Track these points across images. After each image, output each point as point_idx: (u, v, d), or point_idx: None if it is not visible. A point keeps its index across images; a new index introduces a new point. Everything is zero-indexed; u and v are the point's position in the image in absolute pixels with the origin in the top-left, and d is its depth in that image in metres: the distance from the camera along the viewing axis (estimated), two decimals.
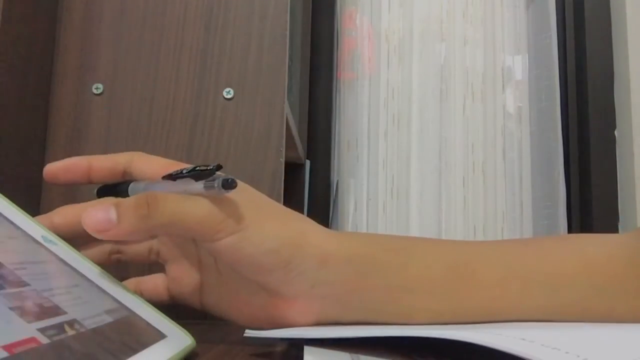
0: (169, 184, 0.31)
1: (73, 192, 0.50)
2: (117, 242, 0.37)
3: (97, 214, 0.29)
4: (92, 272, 0.31)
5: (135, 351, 0.25)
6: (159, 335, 0.29)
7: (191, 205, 0.30)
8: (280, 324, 0.33)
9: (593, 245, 0.38)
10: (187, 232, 0.31)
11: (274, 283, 0.33)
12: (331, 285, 0.33)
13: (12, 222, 0.29)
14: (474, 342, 0.24)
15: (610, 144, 1.28)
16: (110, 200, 0.32)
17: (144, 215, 0.29)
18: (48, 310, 0.23)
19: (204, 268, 0.37)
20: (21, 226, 0.30)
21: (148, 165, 0.36)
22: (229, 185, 0.29)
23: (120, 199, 0.31)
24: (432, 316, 0.34)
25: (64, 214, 0.35)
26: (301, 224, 0.34)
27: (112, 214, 0.29)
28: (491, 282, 0.35)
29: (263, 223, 0.32)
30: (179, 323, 0.32)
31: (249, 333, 0.32)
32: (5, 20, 0.45)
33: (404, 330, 0.28)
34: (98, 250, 0.37)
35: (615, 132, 1.28)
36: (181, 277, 0.38)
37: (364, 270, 0.33)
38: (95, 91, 0.52)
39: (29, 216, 0.31)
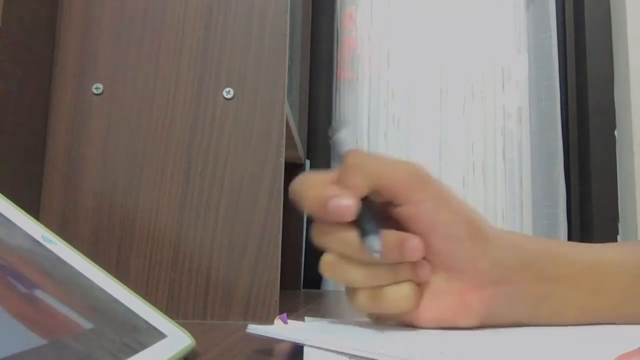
0: None
1: (73, 193, 0.50)
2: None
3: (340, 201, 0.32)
4: (92, 271, 0.31)
5: (135, 351, 0.25)
6: (159, 335, 0.29)
7: (398, 161, 0.34)
8: (452, 319, 0.34)
9: None
10: (392, 188, 0.33)
11: (460, 254, 0.34)
12: (504, 269, 0.35)
13: (12, 222, 0.29)
14: None
15: (610, 143, 1.28)
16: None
17: (363, 172, 0.33)
18: (49, 312, 0.23)
19: None
20: (21, 226, 0.30)
21: None
22: None
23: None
24: (579, 313, 0.37)
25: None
26: None
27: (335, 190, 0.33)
28: (625, 284, 0.37)
29: (453, 196, 0.35)
30: (179, 323, 0.32)
31: (251, 329, 0.32)
32: (5, 21, 0.45)
33: (400, 353, 0.27)
34: None
35: (615, 132, 1.28)
36: None
37: (525, 258, 0.36)
38: (95, 91, 0.52)
39: (29, 216, 0.31)
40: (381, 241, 0.32)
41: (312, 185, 0.34)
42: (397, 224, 0.35)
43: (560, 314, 0.36)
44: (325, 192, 0.33)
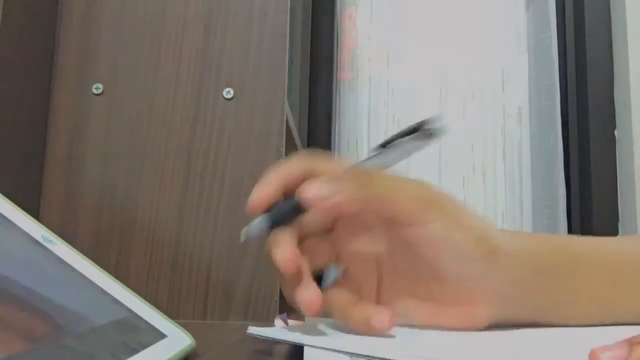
0: (380, 155, 0.32)
1: (73, 193, 0.50)
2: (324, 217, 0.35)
3: (317, 184, 0.31)
4: (92, 271, 0.31)
5: (135, 351, 0.25)
6: (159, 335, 0.29)
7: (404, 181, 0.31)
8: (457, 326, 0.33)
9: None
10: (399, 208, 0.31)
11: (472, 274, 0.32)
12: (519, 284, 0.33)
13: (12, 222, 0.29)
14: None
15: (610, 144, 1.28)
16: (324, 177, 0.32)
17: (362, 184, 0.30)
18: (48, 312, 0.23)
19: (382, 268, 0.35)
20: (21, 226, 0.30)
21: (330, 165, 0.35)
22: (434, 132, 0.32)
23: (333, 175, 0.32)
24: (592, 320, 0.35)
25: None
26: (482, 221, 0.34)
27: (332, 184, 0.31)
28: None
29: (464, 212, 0.32)
30: (179, 323, 0.32)
31: (251, 330, 0.32)
32: (5, 21, 0.45)
33: (401, 354, 0.27)
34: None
35: (615, 132, 1.28)
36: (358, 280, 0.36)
37: (539, 270, 0.33)
38: (95, 91, 0.52)
39: (29, 216, 0.31)
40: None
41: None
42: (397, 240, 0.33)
43: (573, 319, 0.35)
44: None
